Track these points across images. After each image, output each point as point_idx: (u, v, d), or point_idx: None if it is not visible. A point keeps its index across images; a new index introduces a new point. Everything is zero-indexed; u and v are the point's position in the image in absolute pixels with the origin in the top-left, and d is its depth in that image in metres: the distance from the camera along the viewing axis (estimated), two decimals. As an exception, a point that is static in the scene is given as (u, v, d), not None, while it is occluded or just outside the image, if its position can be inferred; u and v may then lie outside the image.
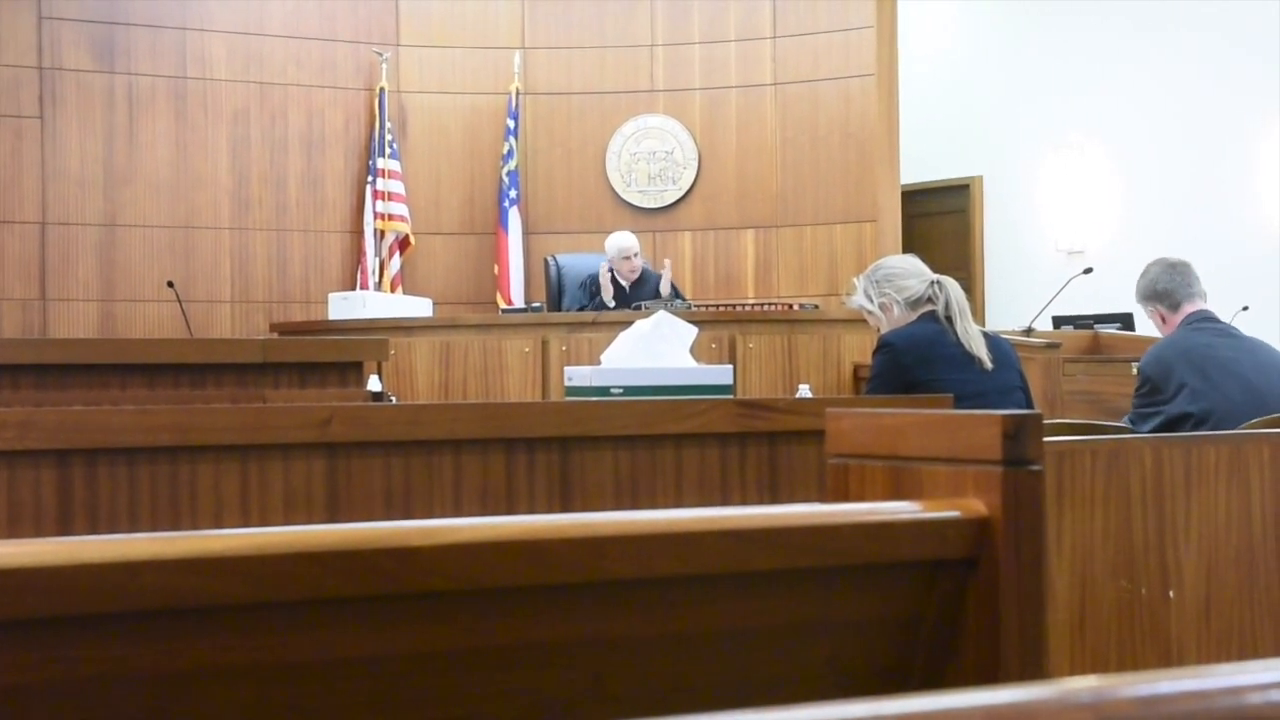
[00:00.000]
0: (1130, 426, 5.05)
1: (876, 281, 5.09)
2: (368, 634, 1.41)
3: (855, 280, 5.25)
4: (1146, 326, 8.02)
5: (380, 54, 11.54)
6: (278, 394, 4.11)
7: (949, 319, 4.92)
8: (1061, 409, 7.81)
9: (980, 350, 4.89)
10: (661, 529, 1.53)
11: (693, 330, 4.73)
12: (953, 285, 5.00)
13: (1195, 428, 4.96)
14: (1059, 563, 3.14)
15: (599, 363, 4.64)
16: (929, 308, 4.98)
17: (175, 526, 2.68)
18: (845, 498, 1.80)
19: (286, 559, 1.36)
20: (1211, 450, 3.43)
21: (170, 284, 9.74)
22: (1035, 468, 1.66)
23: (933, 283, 5.00)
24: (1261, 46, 11.79)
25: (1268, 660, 0.91)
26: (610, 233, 10.29)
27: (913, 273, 5.05)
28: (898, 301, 5.06)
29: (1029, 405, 5.09)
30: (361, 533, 1.42)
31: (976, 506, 1.65)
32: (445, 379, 9.33)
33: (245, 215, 11.29)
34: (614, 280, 9.94)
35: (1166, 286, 5.49)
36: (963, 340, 4.89)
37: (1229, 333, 5.43)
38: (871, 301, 5.10)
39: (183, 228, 11.11)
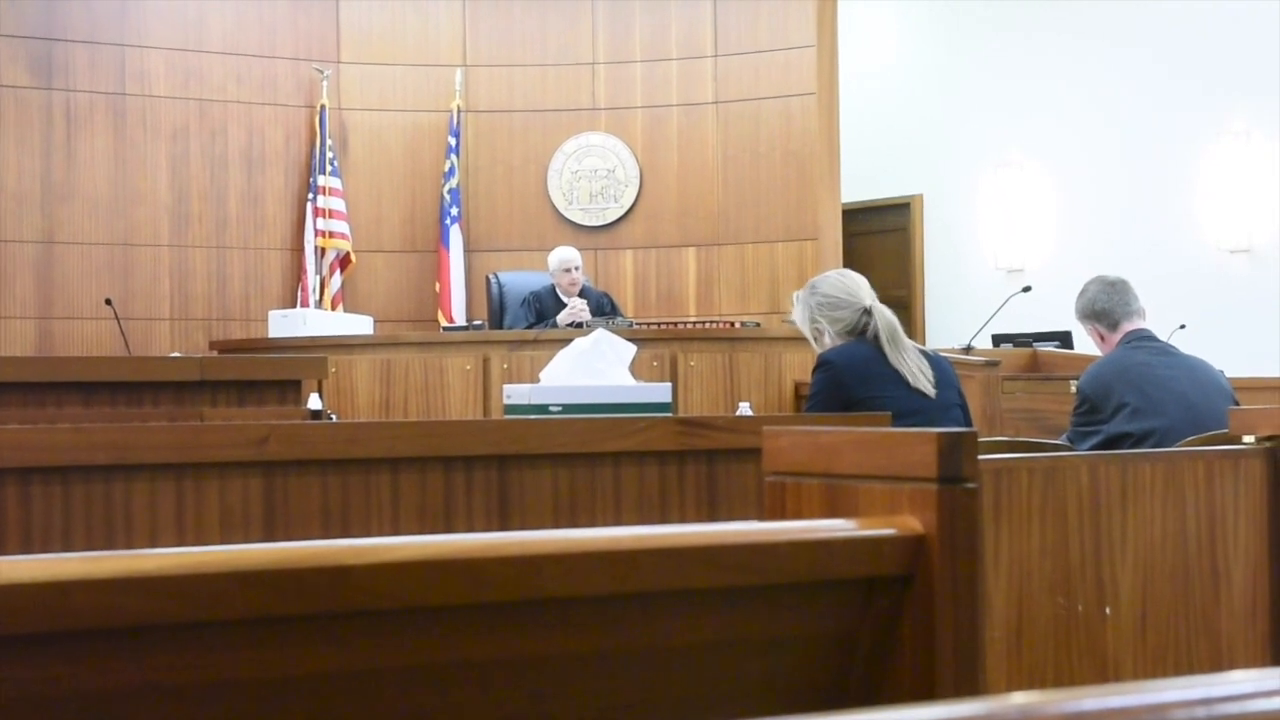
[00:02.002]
0: (1069, 445, 5.07)
1: (811, 306, 5.11)
2: (303, 653, 1.41)
3: (794, 296, 5.26)
4: (1085, 344, 8.07)
5: (321, 71, 11.51)
6: (216, 412, 4.09)
7: (879, 347, 4.94)
8: (1001, 427, 7.85)
9: (914, 374, 4.90)
10: (598, 547, 1.53)
11: (631, 348, 4.73)
12: (882, 314, 4.99)
13: (1134, 446, 4.98)
14: (996, 579, 3.15)
15: (539, 379, 4.64)
16: (862, 335, 5.01)
17: (110, 546, 2.66)
18: (782, 515, 1.80)
19: (220, 578, 1.35)
20: (1147, 468, 3.45)
21: (108, 301, 9.68)
22: (970, 485, 1.66)
23: (864, 311, 5.01)
24: (1196, 67, 11.89)
25: (1194, 677, 0.92)
26: (552, 249, 10.29)
27: (845, 301, 5.05)
28: (829, 330, 5.09)
29: (967, 423, 5.11)
30: (296, 552, 1.41)
31: (912, 524, 1.66)
32: (386, 397, 9.31)
33: (185, 232, 11.24)
34: (555, 296, 9.93)
35: (1105, 305, 5.52)
36: (895, 367, 4.91)
37: (1167, 351, 5.46)
38: (807, 324, 5.14)
39: (121, 244, 11.04)
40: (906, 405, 4.81)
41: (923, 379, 4.92)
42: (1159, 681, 0.90)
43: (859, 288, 5.08)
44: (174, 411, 4.08)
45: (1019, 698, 0.89)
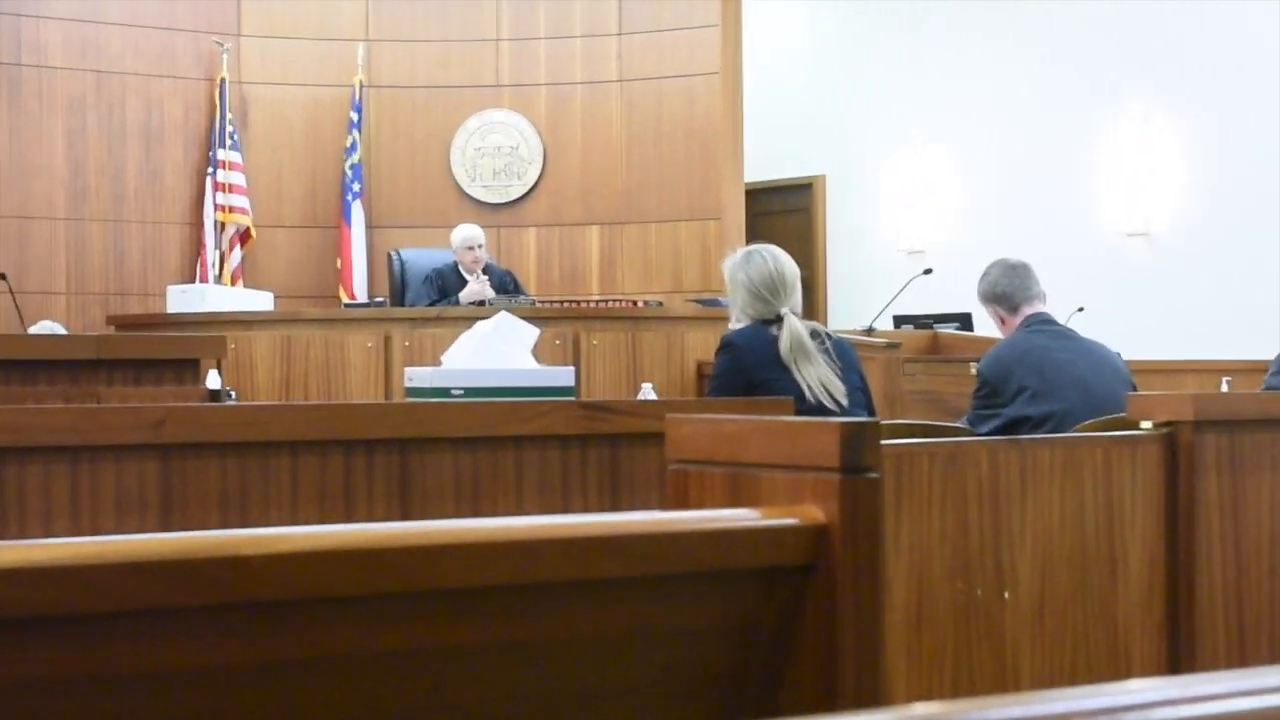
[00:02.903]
0: (969, 427, 5.11)
1: (738, 280, 5.06)
2: (200, 644, 1.39)
3: (728, 259, 5.18)
4: (985, 326, 8.14)
5: (221, 44, 11.39)
6: (112, 391, 4.04)
7: (784, 363, 4.88)
8: (901, 409, 7.90)
9: (816, 388, 4.86)
10: (500, 537, 1.52)
11: (535, 331, 4.71)
12: (791, 330, 4.93)
13: (1033, 430, 5.02)
14: (896, 564, 3.16)
15: (441, 361, 4.62)
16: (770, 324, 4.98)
17: (2, 529, 2.62)
18: (685, 504, 1.80)
19: (115, 569, 1.33)
20: (1046, 453, 3.48)
21: (2, 276, 9.53)
22: (873, 475, 1.66)
23: (776, 318, 4.96)
24: (1095, 49, 12.00)
25: (1096, 686, 0.92)
26: (455, 226, 10.24)
27: (765, 299, 5.00)
28: (739, 310, 5.08)
29: (869, 405, 5.13)
30: (192, 541, 1.39)
31: (814, 514, 1.65)
32: (286, 374, 9.24)
33: (81, 205, 11.10)
34: (458, 274, 9.88)
35: (1006, 289, 5.55)
36: (799, 384, 4.84)
37: (1066, 335, 5.50)
38: (729, 287, 5.11)
39: (16, 217, 10.89)
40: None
41: (825, 393, 4.87)
42: (1061, 691, 0.90)
43: (784, 289, 5.01)
44: (69, 391, 4.03)
45: (922, 709, 0.88)
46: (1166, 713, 0.88)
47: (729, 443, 1.76)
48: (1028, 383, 5.22)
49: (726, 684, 1.67)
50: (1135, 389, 5.18)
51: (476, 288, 9.69)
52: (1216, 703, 0.94)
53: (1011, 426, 5.11)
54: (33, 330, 8.56)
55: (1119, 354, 5.59)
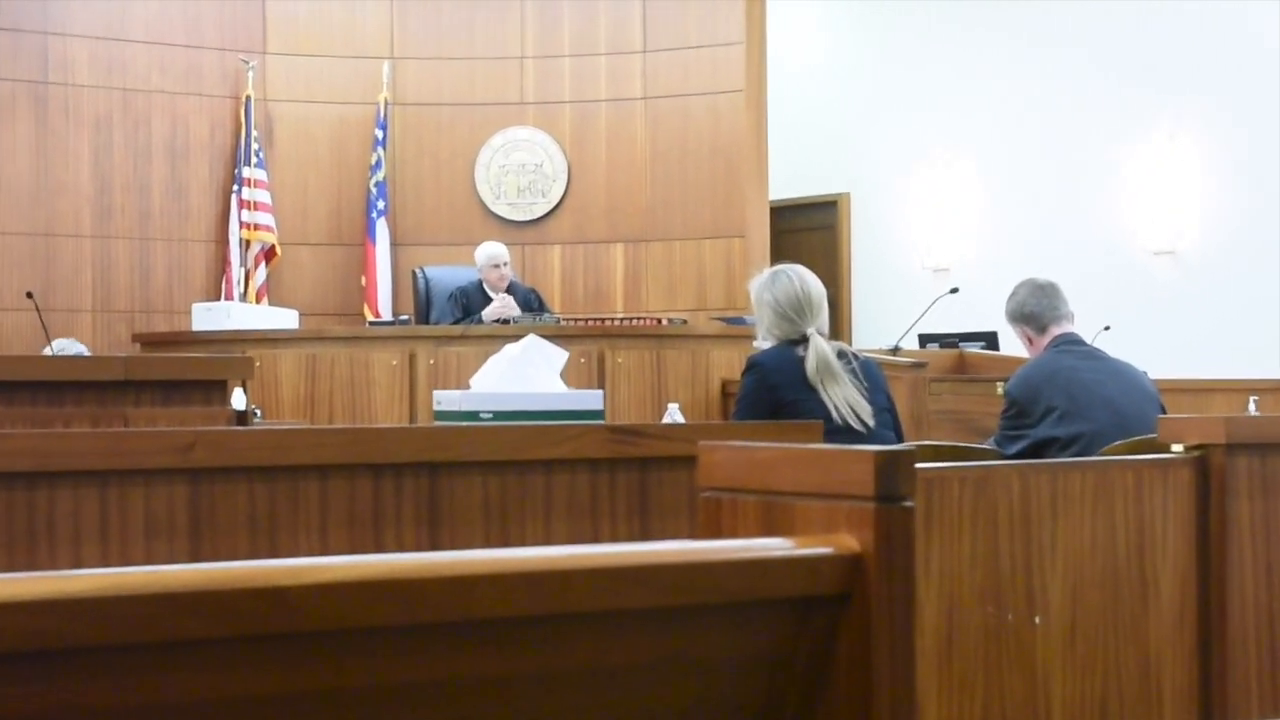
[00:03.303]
0: (996, 448, 5.09)
1: (765, 300, 5.05)
2: (231, 675, 1.38)
3: (754, 279, 5.18)
4: (1011, 345, 8.11)
5: (247, 61, 11.42)
6: (139, 413, 4.04)
7: (810, 383, 4.87)
8: (928, 429, 7.88)
9: (844, 408, 4.85)
10: (532, 567, 1.51)
11: (563, 354, 4.71)
12: (818, 350, 4.92)
13: (1061, 451, 5.00)
14: (926, 589, 3.15)
15: (467, 379, 4.62)
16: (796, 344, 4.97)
17: (32, 555, 2.62)
18: (717, 532, 1.78)
19: (147, 600, 1.32)
20: (1077, 476, 3.46)
21: (29, 294, 9.55)
22: (908, 504, 1.65)
23: (802, 338, 4.95)
24: (1123, 68, 11.97)
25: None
26: (479, 244, 10.24)
27: (791, 319, 4.99)
28: (764, 329, 5.07)
29: (896, 426, 5.12)
30: (225, 573, 1.38)
31: (849, 543, 1.64)
32: (311, 392, 9.25)
33: (107, 223, 11.13)
34: (483, 292, 9.89)
35: (1034, 309, 5.53)
36: (826, 404, 4.83)
37: (1094, 355, 5.48)
38: (756, 307, 5.11)
39: (43, 235, 10.92)
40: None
41: (852, 414, 4.86)
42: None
43: (810, 309, 5.01)
44: (97, 412, 4.03)
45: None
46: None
47: (761, 470, 1.75)
48: (1056, 403, 5.20)
49: (760, 714, 1.66)
50: (1164, 409, 5.16)
51: (499, 305, 9.69)
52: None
53: (1039, 447, 5.09)
54: (51, 349, 8.57)
55: (1146, 374, 5.57)
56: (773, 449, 1.77)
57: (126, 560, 2.66)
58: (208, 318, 10.06)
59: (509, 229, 11.66)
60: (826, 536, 1.66)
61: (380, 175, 11.57)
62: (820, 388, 4.88)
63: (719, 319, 10.43)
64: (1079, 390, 5.23)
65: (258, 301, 11.16)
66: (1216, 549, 3.62)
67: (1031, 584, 3.32)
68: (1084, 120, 12.21)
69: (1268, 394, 8.63)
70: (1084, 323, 6.00)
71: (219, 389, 4.30)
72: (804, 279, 5.08)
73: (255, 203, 11.29)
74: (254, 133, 11.33)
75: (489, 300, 9.79)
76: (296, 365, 9.27)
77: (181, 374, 4.33)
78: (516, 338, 5.45)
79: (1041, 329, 5.51)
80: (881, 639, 1.64)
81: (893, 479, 1.65)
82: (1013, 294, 5.63)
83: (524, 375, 4.31)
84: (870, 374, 5.02)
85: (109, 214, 11.14)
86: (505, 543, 2.91)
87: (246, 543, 2.74)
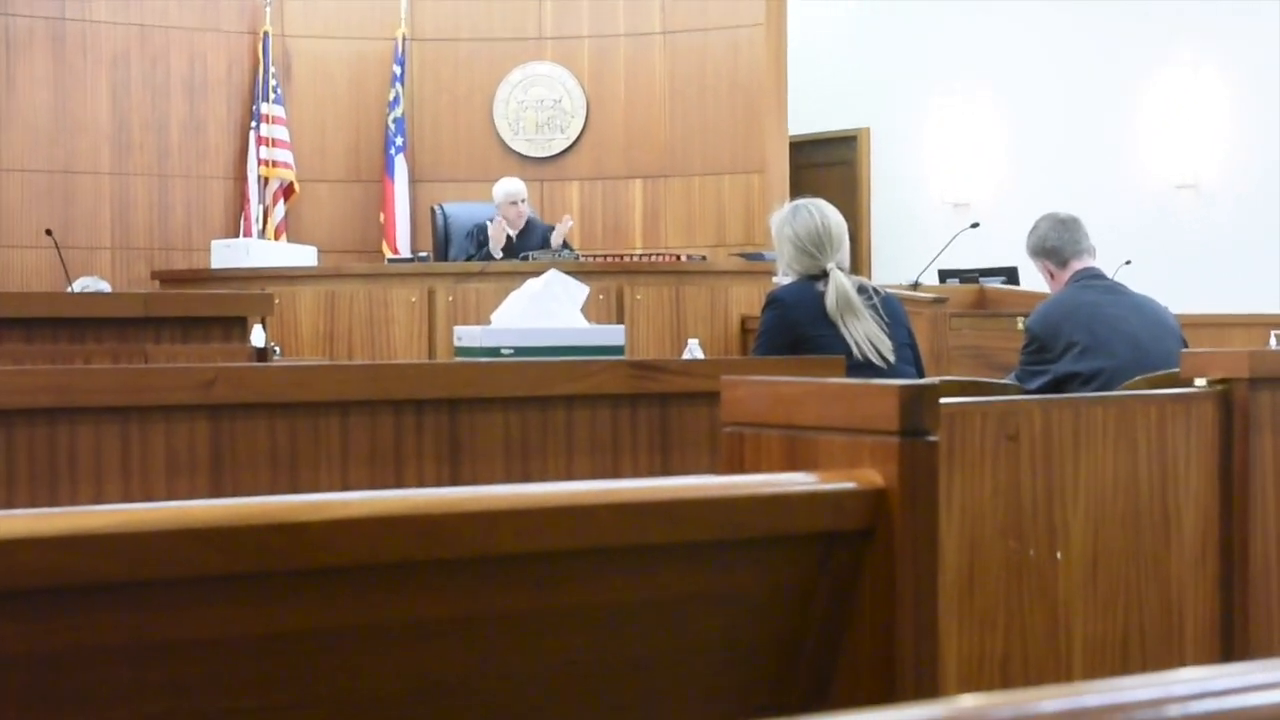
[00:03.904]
0: (1017, 384, 5.07)
1: (785, 235, 5.03)
2: (254, 611, 1.38)
3: (775, 214, 5.16)
4: (1031, 280, 8.09)
5: (264, -3, 11.38)
6: (159, 349, 4.04)
7: (830, 319, 4.86)
8: (948, 364, 7.86)
9: (864, 344, 4.84)
10: (555, 502, 1.51)
11: (584, 289, 4.69)
12: (838, 285, 4.90)
13: (1083, 386, 4.99)
14: (949, 524, 3.14)
15: (486, 315, 4.61)
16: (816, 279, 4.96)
17: (54, 491, 2.63)
18: (740, 467, 1.78)
19: (170, 536, 1.32)
20: (1100, 411, 3.45)
21: (49, 232, 9.55)
22: (931, 438, 1.64)
23: (822, 273, 4.94)
24: None
25: (1152, 675, 0.90)
26: (497, 180, 10.22)
27: (810, 253, 4.98)
28: (785, 264, 5.05)
29: (917, 362, 5.10)
30: (247, 508, 1.38)
31: (873, 477, 1.64)
32: (330, 329, 9.25)
33: (126, 160, 11.11)
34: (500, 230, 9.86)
35: (1055, 243, 5.50)
36: (846, 339, 4.82)
37: (1116, 290, 5.45)
38: (777, 242, 5.09)
39: (62, 172, 10.92)
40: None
41: (872, 350, 4.85)
42: (1110, 681, 0.88)
43: (830, 244, 4.99)
44: (117, 349, 4.03)
45: (970, 700, 0.86)
46: (1212, 704, 0.87)
47: (785, 405, 1.74)
48: (1077, 338, 5.18)
49: (782, 649, 1.66)
50: (1185, 344, 5.13)
51: (496, 233, 9.65)
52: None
53: (1060, 382, 5.08)
54: (74, 287, 8.58)
55: (1168, 308, 5.55)
56: (796, 384, 1.76)
57: (148, 496, 2.66)
58: (227, 255, 10.06)
59: (527, 165, 11.63)
60: (850, 471, 1.65)
61: (398, 111, 11.54)
62: (840, 323, 4.86)
63: (738, 255, 10.40)
64: (1100, 325, 5.21)
65: (276, 238, 11.15)
66: (1239, 484, 3.61)
67: (1053, 519, 3.32)
68: (1105, 52, 12.12)
69: (1289, 328, 8.58)
70: (1105, 257, 5.97)
71: (239, 325, 4.30)
72: (824, 213, 5.05)
73: (273, 139, 11.27)
74: (272, 69, 11.30)
75: (506, 237, 9.76)
76: (315, 302, 9.27)
77: (201, 310, 4.33)
78: (537, 274, 5.46)
79: (1063, 263, 5.49)
80: (905, 574, 1.63)
81: (917, 413, 1.64)
82: (1033, 228, 5.61)
83: (546, 310, 4.30)
84: (891, 309, 5.00)
85: (127, 151, 11.13)
86: (526, 479, 2.91)
87: (267, 479, 2.74)
